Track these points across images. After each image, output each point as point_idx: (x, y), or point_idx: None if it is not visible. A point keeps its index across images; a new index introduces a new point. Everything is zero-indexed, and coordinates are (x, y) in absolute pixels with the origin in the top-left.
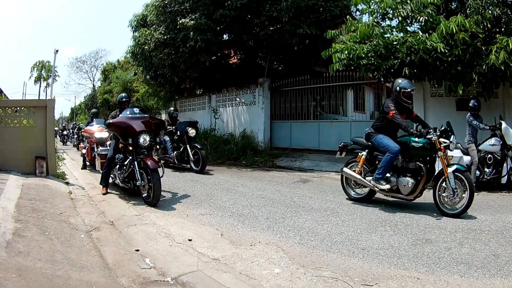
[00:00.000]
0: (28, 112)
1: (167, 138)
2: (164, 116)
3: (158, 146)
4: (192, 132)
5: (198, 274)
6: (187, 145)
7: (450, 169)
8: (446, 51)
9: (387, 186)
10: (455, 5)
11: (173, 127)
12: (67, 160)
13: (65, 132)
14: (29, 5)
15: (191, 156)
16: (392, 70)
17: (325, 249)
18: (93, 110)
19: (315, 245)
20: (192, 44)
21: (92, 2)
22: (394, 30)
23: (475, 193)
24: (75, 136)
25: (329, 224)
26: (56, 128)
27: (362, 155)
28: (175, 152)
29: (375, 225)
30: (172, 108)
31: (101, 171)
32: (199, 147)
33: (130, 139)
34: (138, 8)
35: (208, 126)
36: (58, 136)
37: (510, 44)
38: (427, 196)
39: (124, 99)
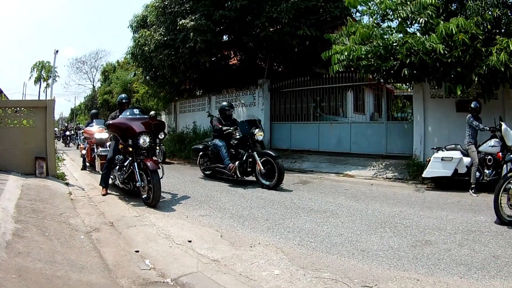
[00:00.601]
0: (28, 113)
1: (219, 142)
2: (164, 117)
3: (202, 152)
4: (259, 134)
5: (198, 275)
6: (254, 152)
7: None
8: (446, 52)
9: None
10: (455, 7)
11: (232, 128)
12: (67, 161)
13: (67, 133)
14: (29, 5)
15: (261, 167)
16: (391, 71)
17: (325, 251)
18: (93, 111)
19: (315, 246)
20: (192, 45)
21: (92, 2)
22: (394, 31)
23: (475, 195)
24: (81, 136)
25: (328, 225)
26: (56, 129)
27: None
28: (237, 162)
29: (375, 227)
30: (225, 103)
31: (101, 172)
32: (273, 154)
33: (130, 140)
34: (138, 8)
35: (208, 127)
36: (61, 138)
37: (511, 46)
38: (426, 197)
39: (124, 101)
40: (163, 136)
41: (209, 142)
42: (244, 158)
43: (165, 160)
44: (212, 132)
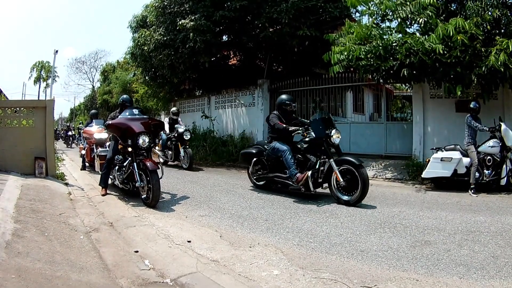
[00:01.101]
0: (28, 113)
1: (282, 146)
2: (164, 117)
3: (255, 158)
4: (337, 136)
5: (197, 276)
6: (332, 160)
7: None
8: (445, 53)
9: None
10: (455, 7)
11: (302, 129)
12: (66, 161)
13: (69, 133)
14: (29, 5)
15: (341, 178)
16: (391, 72)
17: (324, 251)
18: (93, 111)
19: (314, 246)
20: (191, 45)
21: (92, 2)
22: (393, 31)
23: (474, 195)
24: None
25: (328, 225)
26: (57, 128)
27: None
28: (309, 171)
29: (374, 227)
30: (284, 96)
31: (100, 172)
32: (356, 162)
33: (130, 140)
34: (138, 8)
35: (207, 127)
36: (63, 138)
37: (510, 46)
38: (426, 198)
39: (126, 103)
40: (188, 136)
41: (265, 146)
42: (316, 166)
43: (192, 166)
44: (270, 133)
